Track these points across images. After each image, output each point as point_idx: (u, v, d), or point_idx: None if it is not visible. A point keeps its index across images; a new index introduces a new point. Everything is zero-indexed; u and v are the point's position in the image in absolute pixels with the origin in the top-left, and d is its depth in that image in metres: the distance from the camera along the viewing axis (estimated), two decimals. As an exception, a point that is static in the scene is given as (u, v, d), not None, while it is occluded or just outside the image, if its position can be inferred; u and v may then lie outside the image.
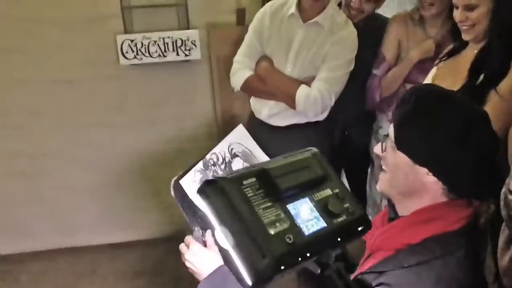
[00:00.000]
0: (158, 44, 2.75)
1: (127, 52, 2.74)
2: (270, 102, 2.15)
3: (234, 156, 1.36)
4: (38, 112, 2.85)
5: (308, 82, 2.05)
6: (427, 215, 1.04)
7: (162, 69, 2.85)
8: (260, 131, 2.21)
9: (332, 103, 2.07)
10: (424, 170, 1.02)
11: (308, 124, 2.13)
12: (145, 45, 2.74)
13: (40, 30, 2.73)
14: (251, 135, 2.25)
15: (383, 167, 1.11)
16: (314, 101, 2.01)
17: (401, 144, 1.02)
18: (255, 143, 1.38)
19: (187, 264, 1.15)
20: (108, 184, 3.00)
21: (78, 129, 2.90)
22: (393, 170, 1.06)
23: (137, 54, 2.75)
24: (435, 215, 1.04)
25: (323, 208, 0.61)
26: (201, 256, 1.11)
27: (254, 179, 0.59)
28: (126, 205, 3.05)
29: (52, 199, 2.99)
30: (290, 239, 0.56)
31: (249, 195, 0.58)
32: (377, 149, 1.10)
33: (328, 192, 0.63)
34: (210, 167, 1.28)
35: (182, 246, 1.17)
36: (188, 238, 1.17)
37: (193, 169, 1.20)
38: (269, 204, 0.58)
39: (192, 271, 1.13)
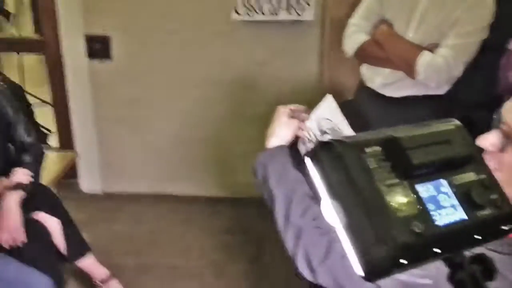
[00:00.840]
0: (271, 1, 2.65)
1: (239, 8, 2.69)
2: (386, 70, 1.97)
3: (323, 133, 1.25)
4: (147, 61, 2.93)
5: (432, 49, 1.84)
6: None
7: (271, 28, 2.76)
8: (370, 102, 2.06)
9: (459, 73, 1.84)
10: None
11: (424, 98, 1.93)
12: (258, 1, 2.66)
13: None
14: (359, 106, 2.10)
15: (492, 164, 0.91)
16: (437, 69, 1.80)
17: None
18: (344, 118, 1.25)
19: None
20: (209, 140, 3.04)
21: (184, 81, 2.94)
22: None
23: (249, 10, 2.69)
24: None
25: (464, 196, 0.48)
26: (282, 122, 1.21)
27: (379, 148, 0.48)
28: (225, 161, 3.08)
29: (157, 146, 3.10)
30: (418, 228, 0.44)
31: (371, 166, 0.47)
32: (488, 144, 0.89)
33: (471, 176, 0.50)
34: (305, 144, 1.19)
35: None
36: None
37: None
38: (395, 180, 0.46)
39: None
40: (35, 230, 1.90)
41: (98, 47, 2.91)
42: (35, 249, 1.86)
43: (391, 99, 1.99)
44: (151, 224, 2.90)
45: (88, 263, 2.12)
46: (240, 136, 2.97)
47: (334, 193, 0.46)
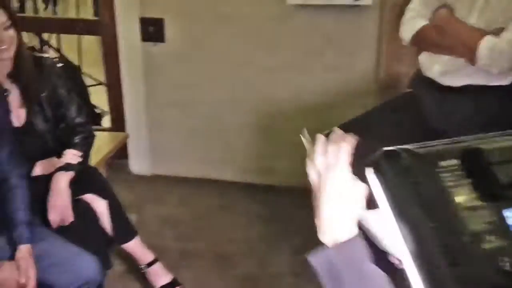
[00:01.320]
0: (329, -16, 2.54)
1: (296, -9, 2.59)
2: (444, 57, 1.83)
3: None
4: (199, 45, 2.89)
5: (496, 34, 1.70)
6: None
7: (328, 13, 2.65)
8: (427, 93, 1.93)
9: None
10: None
11: (487, 88, 1.79)
12: (314, -16, 2.55)
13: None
14: (417, 97, 1.97)
15: None
16: (500, 54, 1.66)
17: None
18: None
19: (311, 170, 0.76)
20: (254, 125, 2.99)
21: (233, 66, 2.88)
22: None
23: (305, -6, 2.59)
24: None
25: None
26: (339, 173, 0.63)
27: (456, 162, 0.39)
28: (269, 148, 3.02)
29: (204, 131, 3.08)
30: (507, 264, 0.36)
31: (447, 183, 0.38)
32: None
33: None
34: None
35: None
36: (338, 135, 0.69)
37: None
38: (477, 203, 0.38)
39: (313, 182, 0.75)
40: (83, 211, 1.92)
41: (152, 30, 2.90)
42: (82, 230, 1.89)
43: (450, 88, 1.86)
44: (196, 208, 2.90)
45: (134, 246, 2.13)
46: (289, 120, 2.89)
47: (401, 214, 0.38)
